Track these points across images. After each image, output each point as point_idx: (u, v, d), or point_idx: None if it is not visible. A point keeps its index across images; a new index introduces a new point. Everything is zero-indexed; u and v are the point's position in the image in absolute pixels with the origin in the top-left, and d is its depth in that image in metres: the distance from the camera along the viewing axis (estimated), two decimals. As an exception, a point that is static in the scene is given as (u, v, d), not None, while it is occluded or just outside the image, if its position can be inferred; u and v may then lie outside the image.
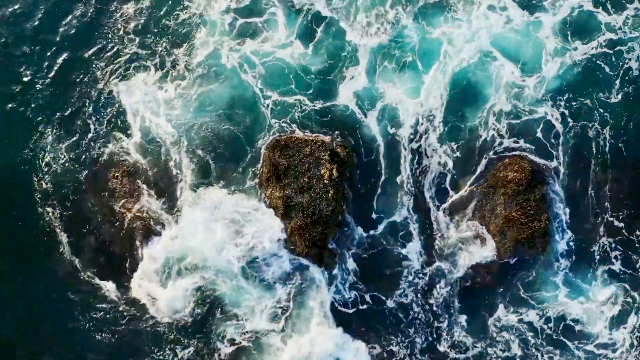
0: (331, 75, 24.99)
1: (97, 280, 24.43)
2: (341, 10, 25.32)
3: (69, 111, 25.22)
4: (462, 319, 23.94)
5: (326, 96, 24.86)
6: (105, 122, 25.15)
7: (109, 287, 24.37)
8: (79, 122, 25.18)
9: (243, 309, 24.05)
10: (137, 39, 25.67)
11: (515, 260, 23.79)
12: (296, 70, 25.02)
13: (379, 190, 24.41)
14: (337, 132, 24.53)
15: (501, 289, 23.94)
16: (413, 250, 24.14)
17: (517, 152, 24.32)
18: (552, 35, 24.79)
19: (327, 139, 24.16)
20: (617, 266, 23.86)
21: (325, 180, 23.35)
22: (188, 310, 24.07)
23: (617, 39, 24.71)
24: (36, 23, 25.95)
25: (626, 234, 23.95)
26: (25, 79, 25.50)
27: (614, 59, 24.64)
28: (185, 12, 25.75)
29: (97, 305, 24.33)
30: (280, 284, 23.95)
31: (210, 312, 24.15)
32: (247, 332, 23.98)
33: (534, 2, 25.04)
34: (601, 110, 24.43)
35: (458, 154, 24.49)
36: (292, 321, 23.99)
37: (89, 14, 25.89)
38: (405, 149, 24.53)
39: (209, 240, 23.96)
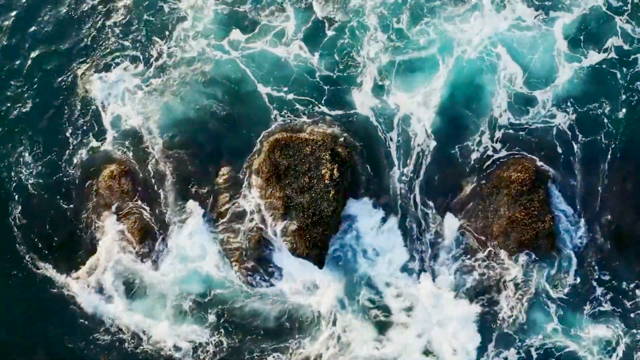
0: (337, 75, 24.93)
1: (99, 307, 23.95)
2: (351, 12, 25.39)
3: (47, 114, 24.95)
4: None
5: (336, 100, 24.81)
6: (85, 122, 24.87)
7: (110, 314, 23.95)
8: (58, 126, 24.85)
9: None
10: (119, 33, 25.46)
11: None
12: (299, 67, 24.96)
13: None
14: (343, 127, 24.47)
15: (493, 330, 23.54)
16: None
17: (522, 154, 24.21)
18: (564, 40, 24.66)
19: (329, 131, 23.98)
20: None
21: (326, 181, 23.00)
22: (205, 339, 23.61)
23: (632, 48, 24.56)
24: (11, 21, 25.86)
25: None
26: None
27: (625, 69, 24.45)
28: (173, 3, 25.62)
29: (98, 335, 23.83)
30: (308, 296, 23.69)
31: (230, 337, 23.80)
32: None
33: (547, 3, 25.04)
34: (609, 119, 24.25)
35: (467, 156, 24.34)
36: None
37: (70, 9, 25.82)
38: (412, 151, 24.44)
39: (205, 257, 23.78)
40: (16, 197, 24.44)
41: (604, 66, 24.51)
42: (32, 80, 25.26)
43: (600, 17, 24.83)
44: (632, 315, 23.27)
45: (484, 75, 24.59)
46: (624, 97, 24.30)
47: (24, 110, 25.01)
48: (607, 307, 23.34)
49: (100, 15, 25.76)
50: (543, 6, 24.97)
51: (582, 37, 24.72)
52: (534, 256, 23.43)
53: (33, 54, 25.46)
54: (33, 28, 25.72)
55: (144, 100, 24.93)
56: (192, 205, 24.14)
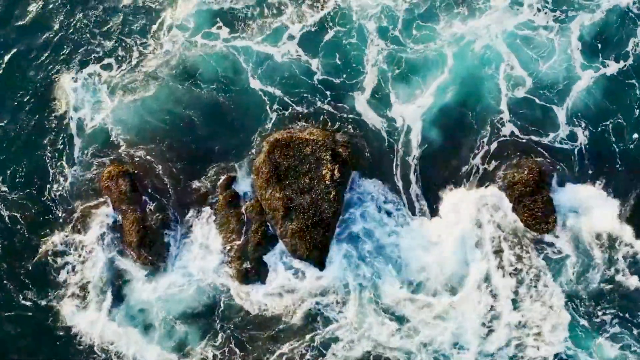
0: (336, 76, 24.68)
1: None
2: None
3: (25, 123, 24.60)
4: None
5: (335, 101, 24.53)
6: (67, 129, 24.53)
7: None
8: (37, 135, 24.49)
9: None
10: (98, 30, 25.17)
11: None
12: (298, 68, 24.73)
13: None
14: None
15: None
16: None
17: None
18: (579, 45, 24.32)
19: (329, 132, 23.74)
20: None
21: (326, 181, 22.69)
22: None
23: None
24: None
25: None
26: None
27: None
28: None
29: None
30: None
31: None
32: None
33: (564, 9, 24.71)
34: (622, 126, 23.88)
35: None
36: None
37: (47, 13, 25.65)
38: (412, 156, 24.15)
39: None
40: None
41: (619, 75, 24.14)
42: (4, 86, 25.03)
43: (620, 21, 24.48)
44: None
45: (489, 79, 24.28)
46: (637, 104, 23.97)
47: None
48: (615, 314, 22.97)
49: (75, 13, 25.55)
50: (558, 9, 24.72)
51: (599, 44, 24.36)
52: (537, 257, 23.13)
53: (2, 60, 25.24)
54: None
55: (132, 101, 24.64)
56: (190, 206, 23.89)
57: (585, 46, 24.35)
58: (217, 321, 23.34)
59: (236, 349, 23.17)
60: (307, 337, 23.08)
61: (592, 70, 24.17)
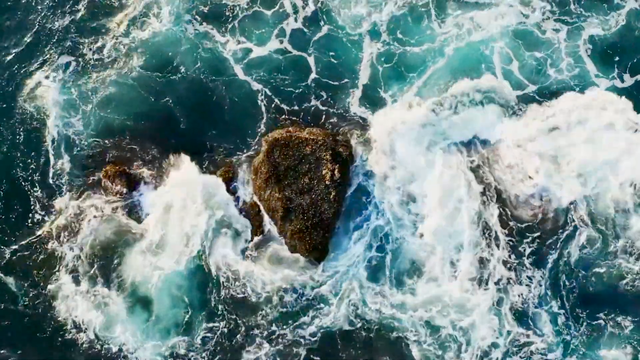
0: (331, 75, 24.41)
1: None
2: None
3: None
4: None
5: (331, 99, 24.28)
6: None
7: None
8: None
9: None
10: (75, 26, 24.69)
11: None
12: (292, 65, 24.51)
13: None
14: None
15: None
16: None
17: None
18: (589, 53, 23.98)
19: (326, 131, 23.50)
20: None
21: (326, 181, 22.41)
22: None
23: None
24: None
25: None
26: None
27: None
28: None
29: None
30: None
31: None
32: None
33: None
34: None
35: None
36: None
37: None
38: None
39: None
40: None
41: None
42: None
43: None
44: None
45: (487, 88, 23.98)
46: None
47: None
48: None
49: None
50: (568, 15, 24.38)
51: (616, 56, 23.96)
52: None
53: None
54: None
55: (115, 99, 24.40)
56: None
57: (595, 52, 24.06)
58: (212, 302, 22.96)
59: (231, 330, 22.85)
60: (302, 317, 22.91)
61: (605, 78, 23.84)
